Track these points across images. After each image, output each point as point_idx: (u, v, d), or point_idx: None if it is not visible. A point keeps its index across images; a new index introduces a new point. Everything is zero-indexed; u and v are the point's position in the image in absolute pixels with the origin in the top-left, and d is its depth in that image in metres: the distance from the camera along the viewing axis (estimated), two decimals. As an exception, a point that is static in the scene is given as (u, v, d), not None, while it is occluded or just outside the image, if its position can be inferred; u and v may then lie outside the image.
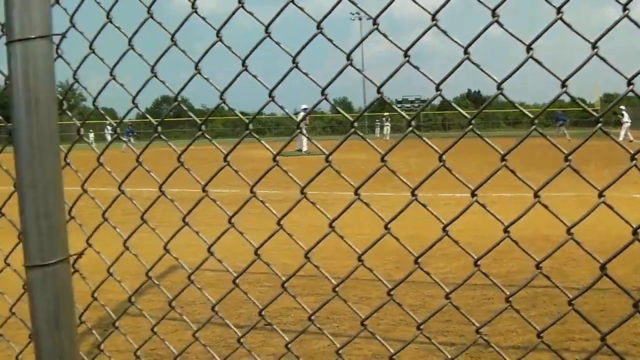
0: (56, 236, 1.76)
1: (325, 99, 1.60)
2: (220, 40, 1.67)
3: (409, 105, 78.54)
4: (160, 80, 1.79)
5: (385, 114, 56.17)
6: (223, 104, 1.74)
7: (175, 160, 1.82)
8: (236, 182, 1.98)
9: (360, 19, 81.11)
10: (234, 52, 1.64)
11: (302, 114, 26.00)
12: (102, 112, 1.98)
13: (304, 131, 1.79)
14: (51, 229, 1.74)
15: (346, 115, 1.70)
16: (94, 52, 1.90)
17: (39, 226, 1.73)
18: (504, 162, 1.51)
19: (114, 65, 1.89)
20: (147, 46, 1.69)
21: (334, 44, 1.56)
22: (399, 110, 1.84)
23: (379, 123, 58.92)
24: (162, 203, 1.94)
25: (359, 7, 1.58)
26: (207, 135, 1.77)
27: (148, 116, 1.97)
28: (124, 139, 2.08)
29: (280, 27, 1.66)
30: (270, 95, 1.63)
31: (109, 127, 42.24)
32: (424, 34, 1.51)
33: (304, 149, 30.17)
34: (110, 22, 1.85)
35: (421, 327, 1.80)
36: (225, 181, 1.72)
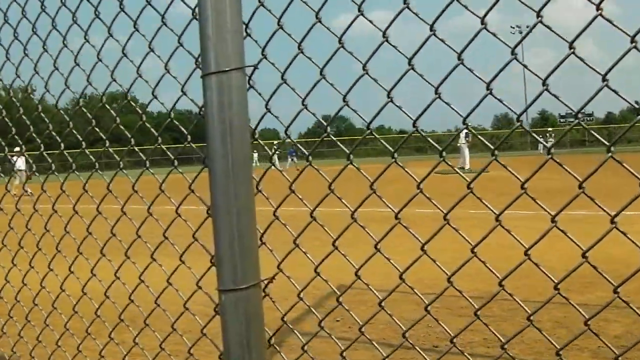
0: (249, 261, 1.81)
1: (522, 121, 1.55)
2: (413, 69, 1.66)
3: (572, 120, 75.31)
4: (352, 109, 1.81)
5: (549, 129, 54.34)
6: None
7: (356, 180, 1.82)
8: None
9: (520, 32, 78.57)
10: (426, 80, 1.62)
11: (465, 131, 25.43)
12: (293, 140, 2.04)
13: (466, 149, 1.74)
14: (244, 254, 1.80)
15: (538, 139, 1.64)
16: (285, 82, 1.95)
17: (232, 251, 1.79)
18: None
19: (306, 95, 1.92)
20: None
21: (531, 71, 1.51)
22: (593, 132, 1.75)
23: (542, 138, 56.78)
24: (336, 223, 1.95)
25: (562, 37, 1.51)
26: (399, 163, 1.75)
27: (339, 143, 1.99)
28: (289, 158, 2.11)
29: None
30: (464, 122, 1.60)
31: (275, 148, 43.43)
32: (624, 55, 1.42)
33: (467, 166, 29.56)
34: (302, 52, 1.89)
35: (619, 358, 1.69)
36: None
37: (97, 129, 2.75)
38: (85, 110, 2.75)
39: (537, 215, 1.61)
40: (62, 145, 2.90)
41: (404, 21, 1.69)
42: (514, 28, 77.86)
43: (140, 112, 2.40)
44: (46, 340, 3.44)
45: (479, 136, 1.88)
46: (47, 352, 3.43)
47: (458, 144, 32.02)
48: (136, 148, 2.48)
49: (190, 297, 2.40)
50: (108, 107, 2.62)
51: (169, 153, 2.39)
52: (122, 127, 2.57)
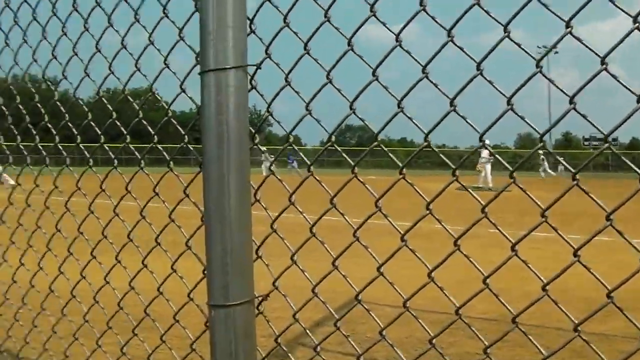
0: (242, 275, 1.68)
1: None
2: (427, 77, 1.53)
3: (596, 143, 73.68)
4: (359, 117, 1.68)
5: (541, 152, 52.78)
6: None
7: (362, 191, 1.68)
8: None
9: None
10: (441, 91, 1.49)
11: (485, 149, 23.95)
12: (294, 147, 1.92)
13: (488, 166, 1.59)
14: (237, 268, 1.66)
15: (561, 161, 1.49)
16: (289, 84, 1.82)
17: (224, 264, 1.65)
18: None
19: (311, 100, 1.79)
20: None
21: (557, 86, 1.37)
22: (625, 160, 1.59)
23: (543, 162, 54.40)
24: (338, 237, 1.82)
25: (593, 50, 1.35)
26: (407, 180, 1.61)
27: (343, 154, 1.85)
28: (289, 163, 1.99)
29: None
30: (480, 139, 1.46)
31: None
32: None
33: (489, 185, 28.11)
34: (308, 53, 1.75)
35: None
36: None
37: (117, 123, 2.55)
38: (105, 101, 2.57)
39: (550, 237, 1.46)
40: (79, 138, 2.70)
41: (420, 27, 1.56)
42: (540, 48, 73.79)
43: (166, 107, 2.24)
44: (34, 342, 3.30)
45: (497, 155, 1.74)
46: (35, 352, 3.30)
47: (479, 164, 29.99)
48: (159, 146, 2.32)
49: (180, 309, 2.28)
50: (131, 99, 2.47)
51: (164, 153, 2.27)
52: (144, 122, 2.40)
